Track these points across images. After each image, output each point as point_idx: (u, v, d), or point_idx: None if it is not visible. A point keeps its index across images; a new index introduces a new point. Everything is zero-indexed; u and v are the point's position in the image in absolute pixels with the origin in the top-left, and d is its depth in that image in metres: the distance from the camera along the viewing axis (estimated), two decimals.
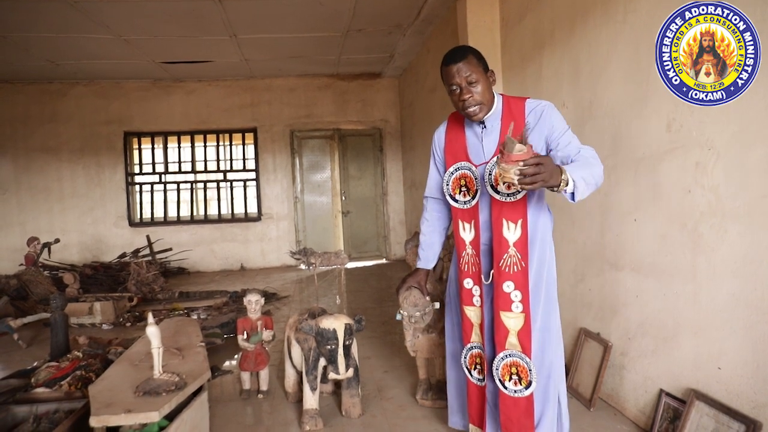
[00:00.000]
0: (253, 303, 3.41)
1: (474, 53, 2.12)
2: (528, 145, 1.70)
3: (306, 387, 2.95)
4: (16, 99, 8.67)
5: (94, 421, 2.11)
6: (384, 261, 9.43)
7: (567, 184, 1.79)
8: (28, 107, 8.72)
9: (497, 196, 2.09)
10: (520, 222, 2.07)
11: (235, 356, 4.21)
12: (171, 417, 2.27)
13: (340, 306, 6.01)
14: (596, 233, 3.16)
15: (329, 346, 2.81)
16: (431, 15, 6.11)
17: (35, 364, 3.57)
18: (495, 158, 2.08)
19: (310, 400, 2.95)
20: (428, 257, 2.56)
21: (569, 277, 3.45)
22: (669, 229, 2.54)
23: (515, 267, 2.09)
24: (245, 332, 3.37)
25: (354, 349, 3.03)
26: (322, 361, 2.93)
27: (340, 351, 2.82)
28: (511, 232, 2.08)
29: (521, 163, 1.67)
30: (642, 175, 2.72)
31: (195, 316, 5.41)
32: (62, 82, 8.72)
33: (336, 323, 2.84)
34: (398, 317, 2.69)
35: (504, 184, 1.95)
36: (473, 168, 2.18)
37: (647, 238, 2.71)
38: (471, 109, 2.09)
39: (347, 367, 2.85)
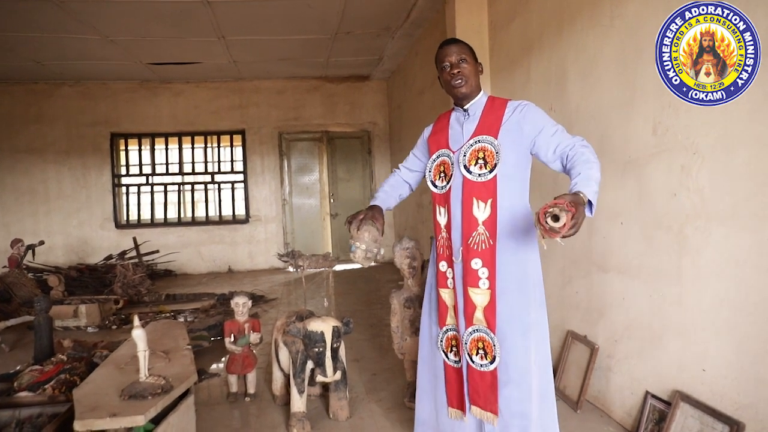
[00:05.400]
0: (241, 305, 3.40)
1: (467, 44, 2.33)
2: (565, 205, 1.69)
3: (293, 390, 2.94)
4: (0, 99, 8.57)
5: (78, 426, 2.08)
6: (372, 264, 9.41)
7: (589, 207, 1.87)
8: (13, 108, 8.63)
9: (469, 176, 2.17)
10: (489, 201, 2.13)
11: (222, 359, 4.18)
12: (157, 421, 2.26)
13: (327, 308, 5.99)
14: (583, 235, 3.18)
15: (317, 349, 2.80)
16: (420, 18, 6.13)
17: (18, 367, 3.53)
18: (471, 141, 2.20)
19: (298, 403, 2.94)
20: (384, 201, 2.56)
21: (556, 280, 3.47)
22: (655, 231, 2.56)
23: (483, 245, 2.15)
24: (232, 335, 3.35)
25: (342, 352, 3.03)
26: (310, 364, 2.92)
27: (328, 354, 2.81)
28: (480, 211, 2.15)
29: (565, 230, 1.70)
30: (628, 178, 2.75)
31: (182, 319, 5.37)
32: (48, 82, 8.63)
33: (324, 326, 2.83)
34: (353, 249, 2.41)
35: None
36: (451, 154, 2.26)
37: (633, 240, 2.73)
38: (457, 82, 2.23)
39: (335, 370, 2.84)
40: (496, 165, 2.11)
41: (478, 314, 2.17)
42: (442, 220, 2.30)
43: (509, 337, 2.15)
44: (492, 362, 2.15)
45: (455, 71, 2.23)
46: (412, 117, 7.52)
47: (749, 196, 2.05)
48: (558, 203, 1.69)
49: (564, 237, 1.72)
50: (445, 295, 2.32)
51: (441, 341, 2.37)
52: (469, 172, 2.16)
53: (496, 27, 4.49)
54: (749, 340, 2.07)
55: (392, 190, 2.61)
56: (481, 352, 2.17)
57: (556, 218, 1.69)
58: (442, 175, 2.28)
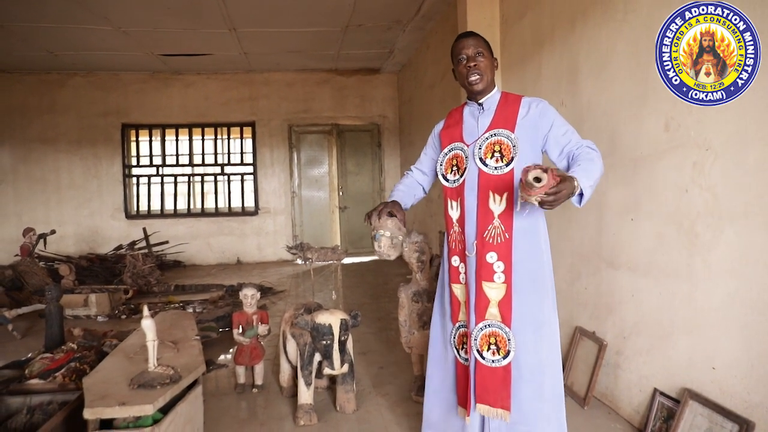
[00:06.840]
0: (249, 297, 3.41)
1: (484, 38, 2.30)
2: (550, 171, 1.75)
3: (301, 382, 2.95)
4: (14, 89, 8.64)
5: (88, 413, 2.10)
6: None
7: (579, 194, 1.92)
8: (26, 97, 8.70)
9: (485, 169, 2.15)
10: (506, 195, 2.12)
11: (231, 350, 4.21)
12: (165, 410, 2.27)
13: (335, 301, 6.02)
14: (593, 232, 3.17)
15: (325, 342, 2.81)
16: (431, 11, 6.10)
17: (30, 355, 3.56)
18: (487, 135, 2.18)
19: (305, 395, 2.95)
20: (401, 199, 2.53)
21: (565, 276, 3.46)
22: (666, 228, 2.54)
23: (499, 238, 2.13)
24: (241, 326, 3.37)
25: (349, 345, 3.03)
26: (318, 356, 2.93)
27: (336, 346, 2.82)
28: (496, 204, 2.13)
29: (543, 193, 1.77)
30: (639, 174, 2.72)
31: (190, 310, 5.41)
32: (60, 72, 8.69)
33: (332, 318, 2.84)
34: (377, 237, 2.38)
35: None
36: (465, 147, 2.24)
37: (644, 237, 2.71)
38: (474, 77, 2.21)
39: (342, 363, 2.85)
40: (513, 158, 2.09)
41: (492, 309, 2.15)
42: (454, 214, 2.28)
43: (521, 333, 2.13)
44: (505, 357, 2.13)
45: (472, 64, 2.20)
46: (423, 111, 7.50)
47: (762, 194, 2.02)
48: (543, 167, 1.76)
49: (542, 204, 1.79)
50: (458, 290, 2.31)
51: (454, 338, 2.35)
52: (485, 165, 2.14)
53: (507, 21, 4.46)
54: (760, 338, 2.06)
55: (408, 189, 2.58)
56: (493, 347, 2.15)
57: (538, 180, 1.75)
58: (455, 168, 2.25)
